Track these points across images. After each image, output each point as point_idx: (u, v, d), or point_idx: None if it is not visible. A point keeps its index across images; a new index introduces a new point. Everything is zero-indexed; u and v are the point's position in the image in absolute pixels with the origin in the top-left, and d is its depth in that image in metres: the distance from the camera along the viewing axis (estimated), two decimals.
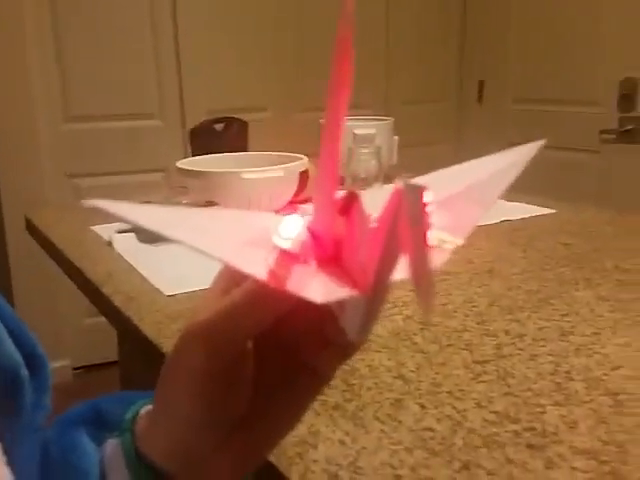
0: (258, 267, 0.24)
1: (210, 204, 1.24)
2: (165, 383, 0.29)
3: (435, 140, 3.21)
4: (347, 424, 0.57)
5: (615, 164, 2.64)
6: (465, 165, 0.29)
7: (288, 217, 0.27)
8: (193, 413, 0.28)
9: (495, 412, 0.58)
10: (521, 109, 3.01)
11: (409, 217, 0.21)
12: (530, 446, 0.53)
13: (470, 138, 3.25)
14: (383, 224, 0.22)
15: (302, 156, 1.36)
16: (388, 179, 1.38)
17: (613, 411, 0.58)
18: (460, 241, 0.26)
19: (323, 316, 0.28)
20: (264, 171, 1.21)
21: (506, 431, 0.55)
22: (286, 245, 0.26)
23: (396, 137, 1.62)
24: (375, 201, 0.25)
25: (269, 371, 0.30)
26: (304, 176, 1.32)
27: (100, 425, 0.33)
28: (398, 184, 0.21)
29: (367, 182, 1.34)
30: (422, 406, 0.59)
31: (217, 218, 0.27)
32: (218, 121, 1.62)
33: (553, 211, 1.32)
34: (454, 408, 0.59)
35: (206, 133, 1.59)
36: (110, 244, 1.15)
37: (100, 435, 0.33)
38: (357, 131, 1.45)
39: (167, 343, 0.74)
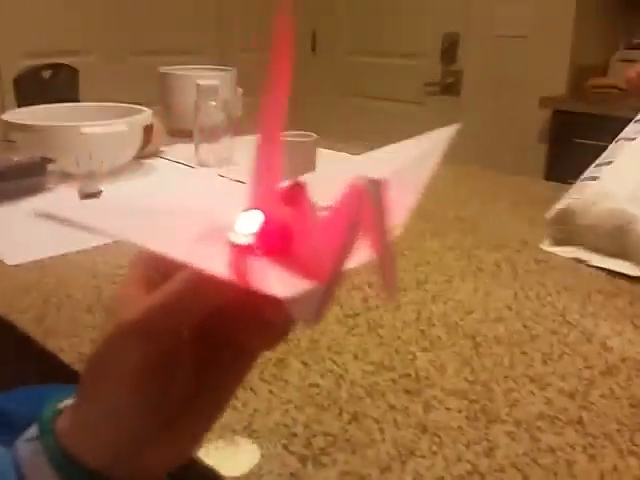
0: (216, 264, 0.23)
1: (46, 161, 1.15)
2: (95, 381, 0.27)
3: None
4: None
5: (438, 115, 2.82)
6: (385, 150, 0.30)
7: (246, 213, 0.26)
8: (131, 408, 0.27)
9: (372, 362, 0.62)
10: (353, 60, 3.09)
11: (374, 211, 0.22)
12: (408, 392, 0.57)
13: (304, 88, 3.28)
14: (341, 215, 0.22)
15: (145, 108, 1.29)
16: (236, 132, 1.36)
17: (474, 353, 0.64)
18: (400, 228, 0.26)
19: (264, 302, 0.28)
20: (106, 125, 1.14)
21: (384, 380, 0.59)
22: (244, 241, 0.25)
23: (240, 89, 1.59)
24: (318, 186, 0.25)
25: (199, 354, 0.29)
26: (148, 130, 1.26)
27: (4, 427, 0.31)
28: (357, 180, 0.22)
29: (216, 135, 1.31)
30: (304, 363, 0.61)
31: (165, 213, 0.26)
32: (45, 67, 1.48)
33: None
34: (334, 362, 0.61)
35: (32, 81, 1.45)
36: None
37: (6, 438, 0.30)
38: (201, 82, 1.40)
39: (22, 319, 0.69)
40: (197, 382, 0.30)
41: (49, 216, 0.23)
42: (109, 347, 0.27)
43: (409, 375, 0.60)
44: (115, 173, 1.21)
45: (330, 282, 0.23)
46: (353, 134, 2.41)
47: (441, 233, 0.98)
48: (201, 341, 0.29)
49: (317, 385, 0.58)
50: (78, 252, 0.86)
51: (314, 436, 0.51)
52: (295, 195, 0.25)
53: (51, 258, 0.84)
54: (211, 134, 1.31)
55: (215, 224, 0.26)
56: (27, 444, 0.29)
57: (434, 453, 0.50)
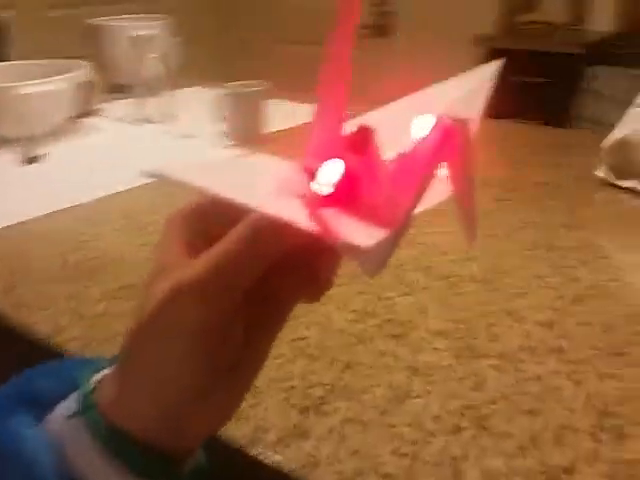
0: (298, 215, 0.23)
1: None
2: (145, 349, 0.26)
3: (199, 39, 3.09)
4: None
5: (370, 58, 2.80)
6: (433, 89, 0.29)
7: (328, 162, 0.25)
8: (185, 371, 0.26)
9: (354, 311, 0.62)
10: (280, 4, 3.01)
11: (462, 150, 0.22)
12: (394, 336, 0.59)
13: (232, 35, 3.19)
14: (421, 156, 0.22)
15: (83, 62, 1.23)
16: (177, 84, 1.32)
17: (450, 293, 0.66)
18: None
19: (319, 254, 0.27)
20: (46, 83, 1.08)
21: (370, 326, 0.60)
22: (326, 191, 0.24)
23: (177, 38, 1.53)
24: (381, 128, 0.24)
25: (248, 310, 0.29)
26: (88, 86, 1.20)
27: (37, 406, 0.30)
28: (442, 118, 0.22)
29: (157, 89, 1.27)
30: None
31: (242, 167, 0.25)
32: None
33: None
34: (319, 314, 0.62)
35: None
36: None
37: (39, 417, 0.29)
38: (136, 32, 1.34)
39: None
40: (244, 340, 0.29)
41: (161, 176, 0.22)
42: (163, 312, 0.26)
43: (393, 320, 0.61)
44: (56, 135, 1.16)
45: (402, 229, 0.23)
46: (289, 81, 2.37)
47: None
48: (251, 297, 0.28)
49: (305, 337, 0.58)
50: (35, 219, 0.82)
51: (311, 387, 0.52)
52: (362, 140, 0.24)
53: (7, 228, 0.81)
54: (152, 88, 1.27)
55: (288, 176, 0.25)
56: (67, 421, 0.28)
57: (428, 392, 0.52)
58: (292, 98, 1.39)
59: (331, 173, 0.25)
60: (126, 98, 1.34)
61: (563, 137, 1.25)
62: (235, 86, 1.15)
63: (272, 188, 0.25)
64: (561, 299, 0.64)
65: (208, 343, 0.26)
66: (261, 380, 0.52)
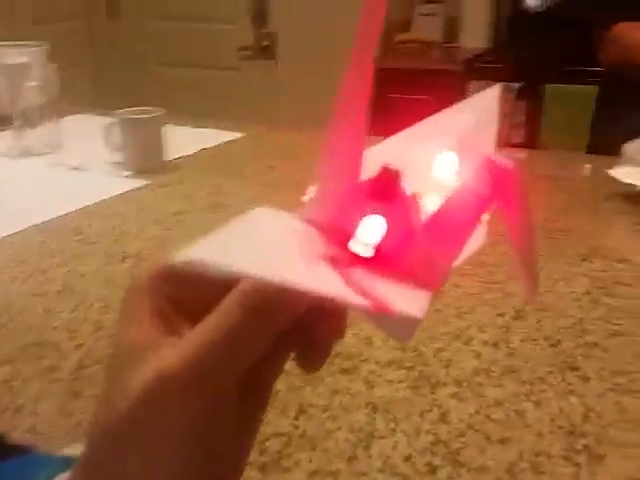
0: (338, 287, 0.19)
1: None
2: (119, 451, 0.21)
3: (72, 63, 2.92)
4: None
5: (255, 80, 2.78)
6: (437, 119, 0.26)
7: (369, 218, 0.20)
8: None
9: None
10: (158, 26, 2.92)
11: (517, 195, 0.18)
12: (345, 371, 0.55)
13: (106, 59, 3.05)
14: (467, 204, 0.19)
15: None
16: (58, 113, 1.22)
17: None
18: (487, 215, 0.23)
19: (322, 317, 0.23)
20: None
21: None
22: (367, 253, 0.20)
23: (54, 64, 1.42)
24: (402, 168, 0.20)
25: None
26: None
27: None
28: (491, 158, 0.18)
29: (38, 119, 1.16)
30: None
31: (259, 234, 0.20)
32: None
33: (242, 134, 1.32)
34: None
35: None
36: None
37: None
38: (9, 60, 1.23)
39: None
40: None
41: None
42: (147, 409, 0.20)
43: (340, 354, 0.57)
44: None
45: (441, 287, 0.19)
46: (172, 105, 2.28)
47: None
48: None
49: None
50: None
51: (266, 440, 0.47)
52: (386, 186, 0.20)
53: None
54: (32, 118, 1.16)
55: (307, 237, 0.21)
56: None
57: (392, 430, 0.48)
58: (184, 123, 1.33)
59: (372, 230, 0.21)
60: (3, 130, 1.22)
61: None
62: (127, 112, 1.07)
63: (295, 254, 0.20)
64: (501, 316, 0.63)
65: (197, 446, 0.21)
66: None
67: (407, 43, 2.58)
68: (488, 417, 0.49)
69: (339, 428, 0.48)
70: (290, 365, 0.56)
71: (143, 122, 1.01)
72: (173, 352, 0.21)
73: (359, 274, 0.20)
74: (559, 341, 0.58)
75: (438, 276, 0.19)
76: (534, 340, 0.59)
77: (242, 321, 0.21)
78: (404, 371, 0.55)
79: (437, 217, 0.20)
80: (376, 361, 0.56)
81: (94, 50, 3.07)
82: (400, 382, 0.54)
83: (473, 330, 0.61)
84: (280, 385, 0.53)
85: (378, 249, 0.20)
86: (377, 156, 0.22)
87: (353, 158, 0.21)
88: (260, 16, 2.69)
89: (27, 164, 1.13)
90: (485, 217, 0.22)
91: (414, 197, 0.20)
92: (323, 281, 0.19)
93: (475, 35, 2.50)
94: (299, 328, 0.24)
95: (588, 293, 0.67)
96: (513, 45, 2.44)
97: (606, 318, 0.62)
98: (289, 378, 0.54)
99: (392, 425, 0.49)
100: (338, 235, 0.21)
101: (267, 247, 0.19)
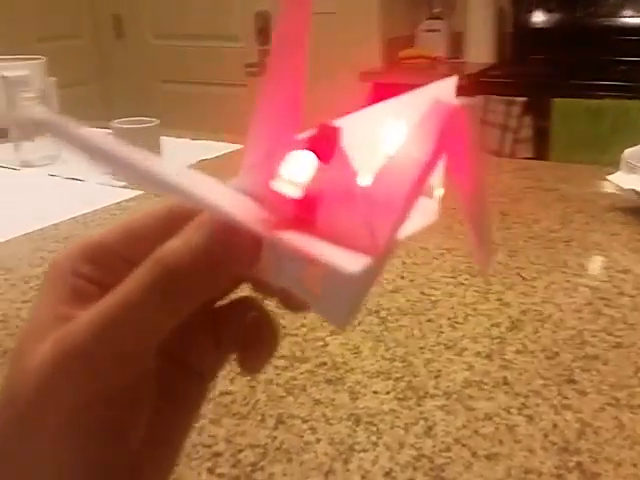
0: (256, 224, 0.16)
1: None
2: (12, 438, 0.18)
3: (78, 81, 2.94)
4: None
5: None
6: (390, 102, 0.24)
7: (297, 153, 0.18)
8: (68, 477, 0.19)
9: (283, 357, 0.56)
10: (163, 45, 2.93)
11: (469, 144, 0.16)
12: (329, 381, 0.52)
13: (112, 77, 3.07)
14: (413, 157, 0.16)
15: None
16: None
17: (381, 328, 0.60)
18: (441, 190, 0.21)
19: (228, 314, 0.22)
20: None
21: (301, 373, 0.53)
22: (293, 192, 0.18)
23: (53, 78, 1.42)
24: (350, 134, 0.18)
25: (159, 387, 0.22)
26: None
27: None
28: (439, 102, 0.16)
29: (36, 132, 1.15)
30: None
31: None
32: None
33: (242, 146, 1.31)
34: None
35: None
36: None
37: None
38: (7, 73, 1.23)
39: None
40: (154, 423, 0.22)
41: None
42: (41, 388, 0.18)
43: (325, 363, 0.55)
44: None
45: (384, 259, 0.17)
46: (181, 121, 2.28)
47: None
48: (163, 369, 0.21)
49: (229, 392, 0.51)
50: None
51: (240, 451, 0.45)
52: (324, 146, 0.18)
53: None
54: (31, 130, 1.15)
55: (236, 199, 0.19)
56: None
57: (374, 444, 0.46)
58: (180, 135, 1.32)
59: (300, 168, 0.18)
60: (2, 143, 1.22)
61: None
62: (123, 122, 1.06)
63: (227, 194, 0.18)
64: (497, 327, 0.60)
65: (101, 436, 0.19)
66: None
67: (412, 59, 2.58)
68: (476, 431, 0.47)
69: (318, 440, 0.46)
70: (272, 374, 0.53)
71: (138, 132, 1.00)
72: (73, 326, 0.18)
73: (290, 233, 0.18)
74: (557, 353, 0.56)
75: (377, 243, 0.17)
76: (530, 352, 0.56)
77: (145, 295, 0.18)
78: (391, 382, 0.52)
79: (376, 179, 0.18)
80: (363, 371, 0.54)
81: (101, 68, 3.09)
82: (387, 393, 0.51)
83: (466, 341, 0.58)
84: (260, 394, 0.51)
85: (307, 192, 0.18)
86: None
87: (290, 110, 0.19)
88: (264, 33, 2.70)
89: (24, 175, 1.12)
90: (438, 192, 0.20)
91: (349, 156, 0.18)
92: (242, 212, 0.17)
93: (480, 50, 2.49)
94: (229, 323, 0.22)
95: (589, 304, 0.64)
96: (520, 59, 2.43)
97: (607, 330, 0.60)
98: (270, 387, 0.51)
99: (374, 438, 0.46)
100: (270, 197, 0.19)
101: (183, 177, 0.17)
